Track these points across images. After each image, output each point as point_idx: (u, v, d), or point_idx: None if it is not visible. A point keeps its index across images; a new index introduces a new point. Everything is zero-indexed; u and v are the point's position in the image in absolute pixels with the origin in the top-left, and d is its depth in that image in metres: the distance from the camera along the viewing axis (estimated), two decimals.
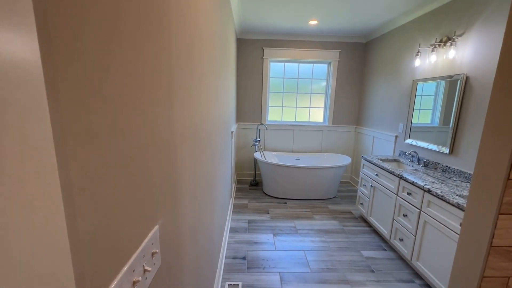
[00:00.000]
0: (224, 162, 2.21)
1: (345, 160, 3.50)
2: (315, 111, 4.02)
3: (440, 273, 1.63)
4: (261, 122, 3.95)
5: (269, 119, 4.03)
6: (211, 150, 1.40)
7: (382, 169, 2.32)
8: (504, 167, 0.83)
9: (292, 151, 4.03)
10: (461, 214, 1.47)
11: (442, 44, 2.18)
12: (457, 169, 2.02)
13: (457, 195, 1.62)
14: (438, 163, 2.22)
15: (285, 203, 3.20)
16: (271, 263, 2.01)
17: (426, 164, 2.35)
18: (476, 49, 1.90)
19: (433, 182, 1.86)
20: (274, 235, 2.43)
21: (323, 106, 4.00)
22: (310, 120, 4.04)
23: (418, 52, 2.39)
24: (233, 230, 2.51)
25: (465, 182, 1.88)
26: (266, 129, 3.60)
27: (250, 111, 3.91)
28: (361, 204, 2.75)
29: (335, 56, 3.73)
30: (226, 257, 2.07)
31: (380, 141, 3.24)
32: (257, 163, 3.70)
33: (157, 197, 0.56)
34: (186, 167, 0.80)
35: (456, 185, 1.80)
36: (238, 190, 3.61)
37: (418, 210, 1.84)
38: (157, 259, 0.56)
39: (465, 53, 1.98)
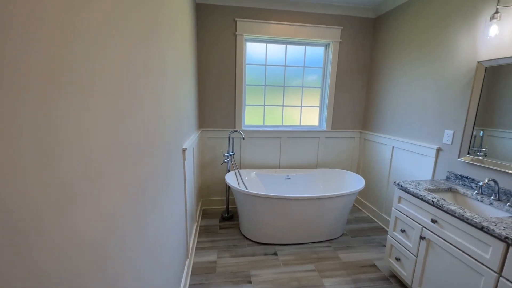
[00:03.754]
0: (168, 208, 1.02)
1: (357, 181, 2.49)
2: (309, 112, 2.97)
3: None
4: (235, 127, 2.78)
5: (246, 123, 2.88)
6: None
7: (454, 216, 1.31)
8: None
9: (279, 167, 2.94)
10: None
11: None
12: None
13: None
14: None
15: (275, 253, 2.09)
16: None
17: (509, 199, 1.40)
18: None
19: None
20: None
21: (319, 105, 2.96)
22: (302, 124, 2.98)
23: (496, 13, 1.43)
24: None
25: None
26: (243, 137, 2.46)
27: (219, 112, 2.72)
28: (397, 259, 1.73)
29: (335, 35, 2.70)
30: None
31: (404, 154, 2.28)
32: (231, 190, 2.52)
33: None
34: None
35: None
36: (202, 230, 2.40)
37: None
38: None
39: None
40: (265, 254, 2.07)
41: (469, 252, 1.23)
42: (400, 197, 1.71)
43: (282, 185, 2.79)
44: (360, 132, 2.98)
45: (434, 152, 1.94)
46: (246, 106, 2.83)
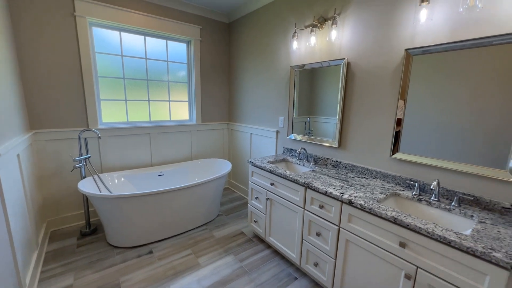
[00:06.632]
0: None
1: (225, 165, 2.81)
2: (179, 106, 3.01)
3: None
4: (88, 126, 2.37)
5: (103, 121, 2.52)
6: None
7: (280, 176, 1.80)
8: None
9: (152, 165, 2.81)
10: (394, 228, 1.14)
11: (319, 25, 1.92)
12: (349, 164, 1.85)
13: (377, 201, 1.32)
14: (328, 159, 2.01)
15: (151, 252, 2.02)
16: None
17: (316, 161, 2.11)
18: (354, 31, 1.74)
19: (342, 186, 1.53)
20: None
21: (187, 99, 3.06)
22: (172, 119, 2.98)
23: (295, 33, 2.05)
24: None
25: (363, 177, 1.71)
26: (99, 137, 2.14)
27: (61, 109, 2.22)
28: (255, 221, 2.16)
29: (195, 34, 2.87)
30: None
31: (259, 139, 2.82)
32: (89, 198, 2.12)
33: None
34: None
35: (362, 185, 1.56)
36: (51, 256, 1.92)
37: (336, 227, 1.44)
38: None
39: (344, 36, 1.80)
40: (139, 256, 1.96)
41: (290, 199, 1.74)
42: (252, 172, 2.13)
43: (156, 183, 2.69)
44: (227, 124, 3.36)
45: (275, 133, 2.54)
46: (102, 101, 2.47)
